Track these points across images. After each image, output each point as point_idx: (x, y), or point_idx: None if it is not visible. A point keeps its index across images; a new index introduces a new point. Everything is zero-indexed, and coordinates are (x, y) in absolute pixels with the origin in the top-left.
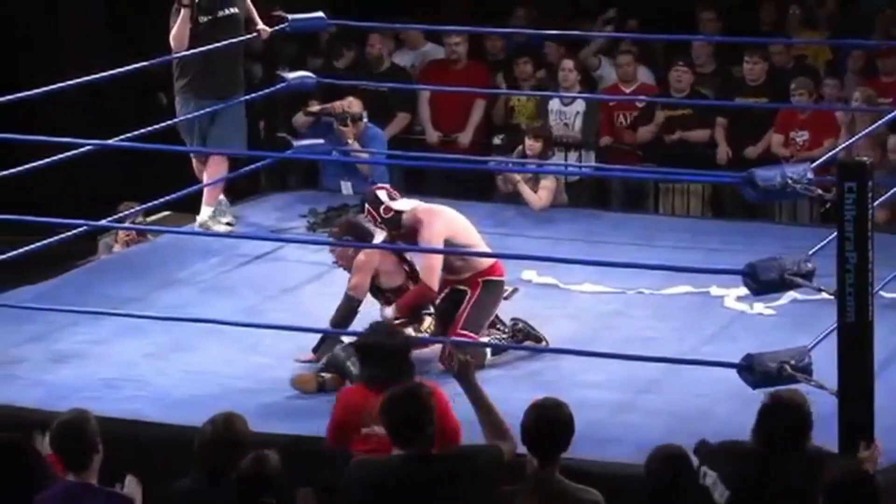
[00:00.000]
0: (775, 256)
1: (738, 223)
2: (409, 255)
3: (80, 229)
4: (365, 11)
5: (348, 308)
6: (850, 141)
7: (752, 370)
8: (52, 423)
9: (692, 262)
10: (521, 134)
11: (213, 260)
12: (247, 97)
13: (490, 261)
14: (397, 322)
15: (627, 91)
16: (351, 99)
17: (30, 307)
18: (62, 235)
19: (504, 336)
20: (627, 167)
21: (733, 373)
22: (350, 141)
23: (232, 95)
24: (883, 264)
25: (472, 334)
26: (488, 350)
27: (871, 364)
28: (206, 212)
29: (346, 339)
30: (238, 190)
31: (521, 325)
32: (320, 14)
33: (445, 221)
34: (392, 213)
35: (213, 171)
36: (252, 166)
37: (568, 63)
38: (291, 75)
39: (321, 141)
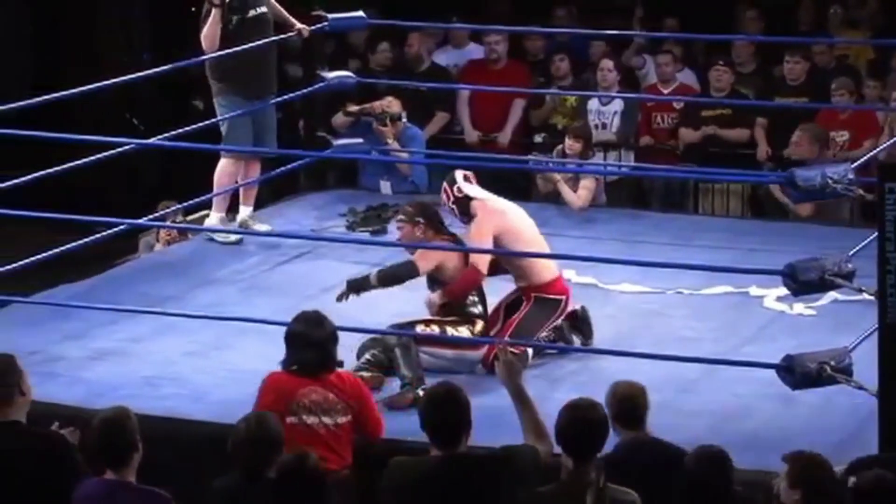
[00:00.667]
0: (815, 256)
1: (778, 223)
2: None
3: (120, 228)
4: (409, 10)
5: (405, 271)
6: (891, 141)
7: (791, 371)
8: (92, 421)
9: (731, 262)
10: (558, 133)
11: (253, 259)
12: (285, 97)
13: (550, 277)
14: (440, 306)
15: (666, 91)
16: (390, 99)
17: (69, 305)
18: (102, 234)
19: (546, 336)
20: (667, 167)
21: (773, 373)
22: (389, 140)
23: (266, 96)
24: None
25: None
26: (530, 352)
27: None
28: (244, 211)
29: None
30: (277, 189)
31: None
32: (360, 13)
33: (499, 221)
34: (462, 195)
35: (251, 173)
36: (291, 165)
37: (607, 63)
38: (331, 75)
39: (360, 140)
